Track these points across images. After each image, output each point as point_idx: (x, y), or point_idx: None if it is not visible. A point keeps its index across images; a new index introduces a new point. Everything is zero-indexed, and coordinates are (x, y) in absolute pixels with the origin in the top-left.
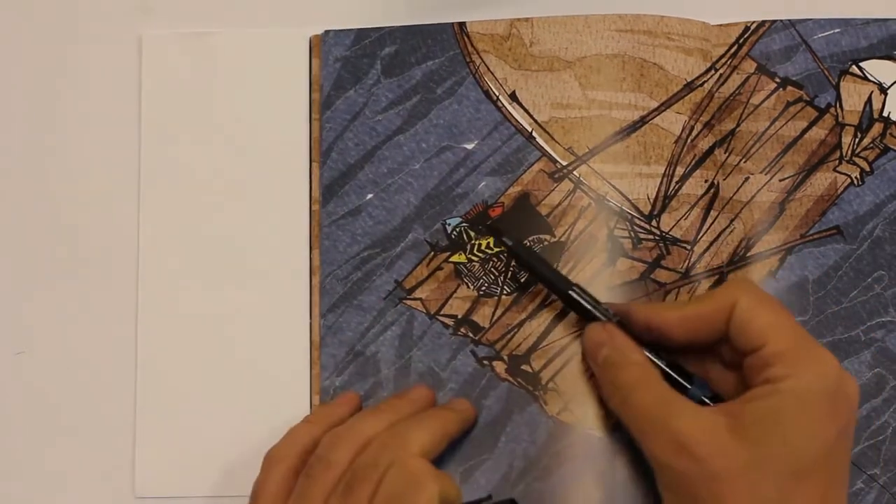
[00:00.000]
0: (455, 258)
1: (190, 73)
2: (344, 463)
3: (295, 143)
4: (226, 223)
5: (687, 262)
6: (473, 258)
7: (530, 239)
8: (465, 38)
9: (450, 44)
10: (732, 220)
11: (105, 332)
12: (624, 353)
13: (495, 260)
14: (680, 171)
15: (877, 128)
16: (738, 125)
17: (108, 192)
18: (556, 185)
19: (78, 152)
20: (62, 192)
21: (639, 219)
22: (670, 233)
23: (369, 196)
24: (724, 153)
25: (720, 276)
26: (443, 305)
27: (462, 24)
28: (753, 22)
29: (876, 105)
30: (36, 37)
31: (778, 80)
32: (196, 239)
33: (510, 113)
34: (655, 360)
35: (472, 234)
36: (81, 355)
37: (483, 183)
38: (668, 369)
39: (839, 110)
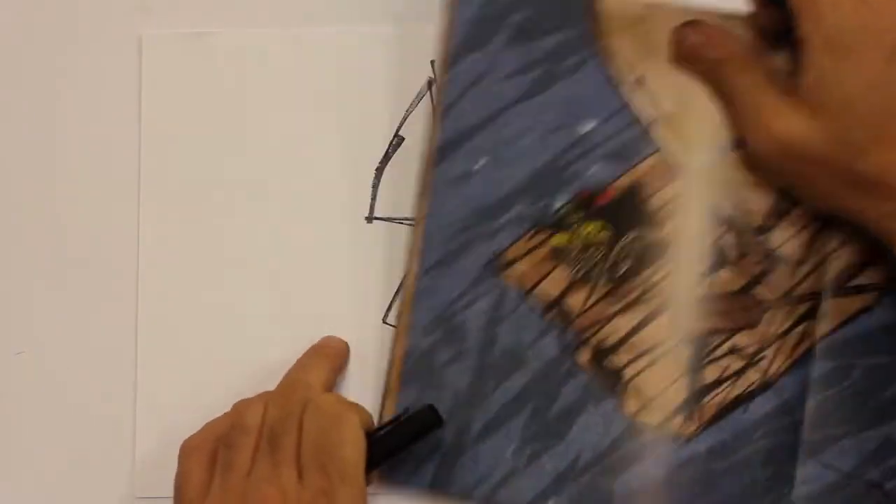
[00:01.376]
0: (556, 239)
1: (190, 73)
2: (258, 425)
3: (295, 142)
4: (226, 223)
5: (790, 282)
6: (575, 242)
7: (633, 232)
8: (597, 16)
9: (580, 19)
10: (841, 246)
11: (105, 332)
12: (725, 46)
13: (597, 247)
14: None
15: None
16: None
17: (108, 192)
18: (669, 181)
19: (78, 152)
20: (62, 192)
21: (749, 231)
22: (779, 250)
23: (481, 163)
24: None
25: (817, 301)
26: (536, 285)
27: (593, 0)
28: None
29: None
30: (36, 37)
31: None
32: (196, 238)
33: (633, 100)
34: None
35: (577, 217)
36: (81, 355)
37: (595, 167)
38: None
39: None
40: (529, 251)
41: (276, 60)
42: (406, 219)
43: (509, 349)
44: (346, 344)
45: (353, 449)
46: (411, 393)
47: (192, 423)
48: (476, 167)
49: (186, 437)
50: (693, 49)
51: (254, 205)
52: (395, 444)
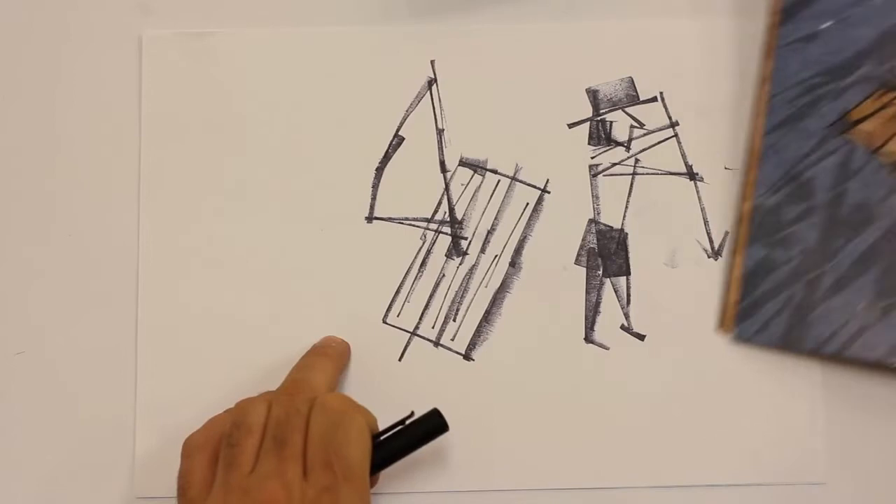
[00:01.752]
0: None
1: (190, 73)
2: (261, 424)
3: (295, 142)
4: (226, 222)
5: None
6: None
7: None
8: None
9: None
10: None
11: (105, 332)
12: None
13: None
14: None
15: None
16: None
17: (109, 191)
18: None
19: (78, 152)
20: (62, 192)
21: None
22: None
23: (827, 24)
24: None
25: None
26: (884, 144)
27: None
28: None
29: None
30: (36, 37)
31: None
32: (196, 238)
33: None
34: None
35: None
36: (81, 355)
37: None
38: None
39: None
40: (877, 111)
41: (276, 60)
42: (406, 219)
43: (858, 205)
44: (348, 344)
45: (359, 448)
46: (759, 249)
47: (192, 422)
48: (821, 28)
49: (186, 436)
50: None
51: (253, 204)
52: (401, 448)
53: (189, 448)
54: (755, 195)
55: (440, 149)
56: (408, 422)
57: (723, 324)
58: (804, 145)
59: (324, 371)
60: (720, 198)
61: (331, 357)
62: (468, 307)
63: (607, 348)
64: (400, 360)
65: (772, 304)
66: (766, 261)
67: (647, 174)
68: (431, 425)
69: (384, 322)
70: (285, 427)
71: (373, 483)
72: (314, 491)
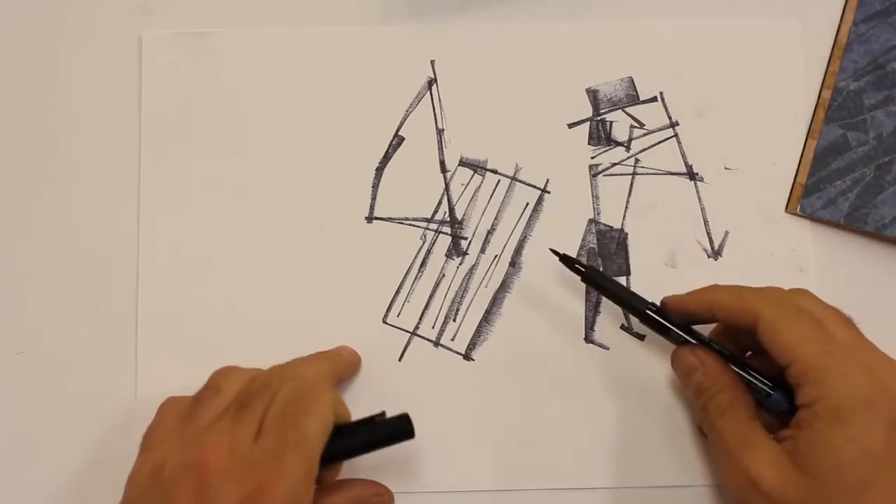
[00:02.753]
0: None
1: (190, 73)
2: (233, 392)
3: (294, 142)
4: (226, 222)
5: None
6: None
7: None
8: None
9: None
10: None
11: (105, 332)
12: (715, 379)
13: None
14: None
15: None
16: None
17: (109, 191)
18: None
19: (78, 152)
20: (62, 192)
21: None
22: None
23: None
24: None
25: None
26: None
27: None
28: None
29: None
30: (36, 38)
31: None
32: (196, 238)
33: None
34: (741, 372)
35: None
36: (81, 355)
37: None
38: (752, 376)
39: None
40: None
41: (276, 60)
42: (406, 219)
43: None
44: (359, 357)
45: (318, 422)
46: (834, 129)
47: None
48: None
49: None
50: (687, 371)
51: (253, 204)
52: (362, 444)
53: (164, 406)
54: (836, 81)
55: (440, 149)
56: (377, 419)
57: (788, 205)
58: (893, 38)
59: (316, 368)
60: (720, 198)
61: (330, 359)
62: (468, 307)
63: (607, 348)
64: (400, 359)
65: (840, 182)
66: (840, 141)
67: (647, 174)
68: (397, 429)
69: (384, 322)
70: (252, 395)
71: (333, 474)
72: (260, 452)
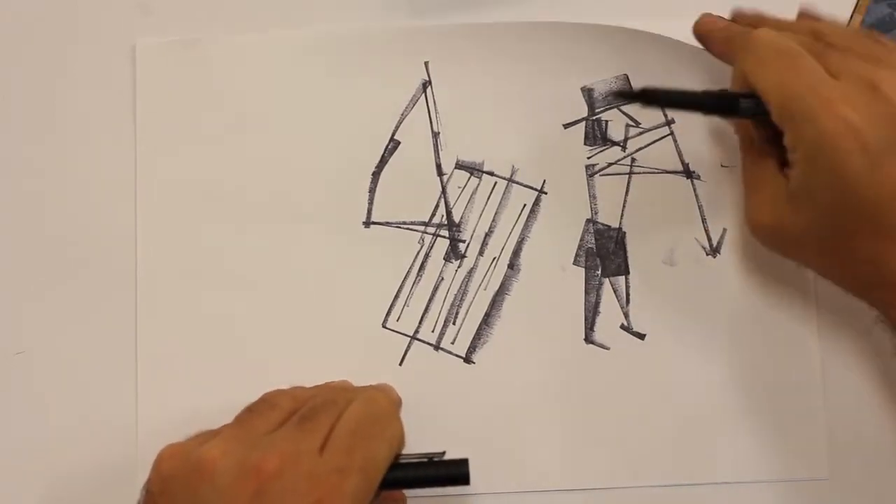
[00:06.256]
0: None
1: (185, 80)
2: (287, 409)
3: (291, 148)
4: (223, 229)
5: None
6: None
7: None
8: None
9: None
10: None
11: (105, 332)
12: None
13: None
14: None
15: None
16: None
17: (106, 197)
18: None
19: (74, 160)
20: (61, 198)
21: None
22: None
23: None
24: None
25: None
26: None
27: None
28: None
29: None
30: (31, 46)
31: None
32: (194, 244)
33: None
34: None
35: None
36: (81, 355)
37: None
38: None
39: None
40: None
41: (271, 67)
42: (403, 223)
43: None
44: (399, 399)
45: (387, 448)
46: (882, 7)
47: (194, 421)
48: None
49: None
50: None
51: (250, 211)
52: (415, 478)
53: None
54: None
55: (436, 152)
56: (435, 459)
57: None
58: None
59: (389, 394)
60: (717, 195)
61: (393, 389)
62: (468, 310)
63: (607, 348)
64: (400, 364)
65: None
66: (888, 19)
67: (644, 173)
68: (454, 472)
69: (384, 327)
70: (317, 408)
71: (388, 499)
72: (325, 468)
